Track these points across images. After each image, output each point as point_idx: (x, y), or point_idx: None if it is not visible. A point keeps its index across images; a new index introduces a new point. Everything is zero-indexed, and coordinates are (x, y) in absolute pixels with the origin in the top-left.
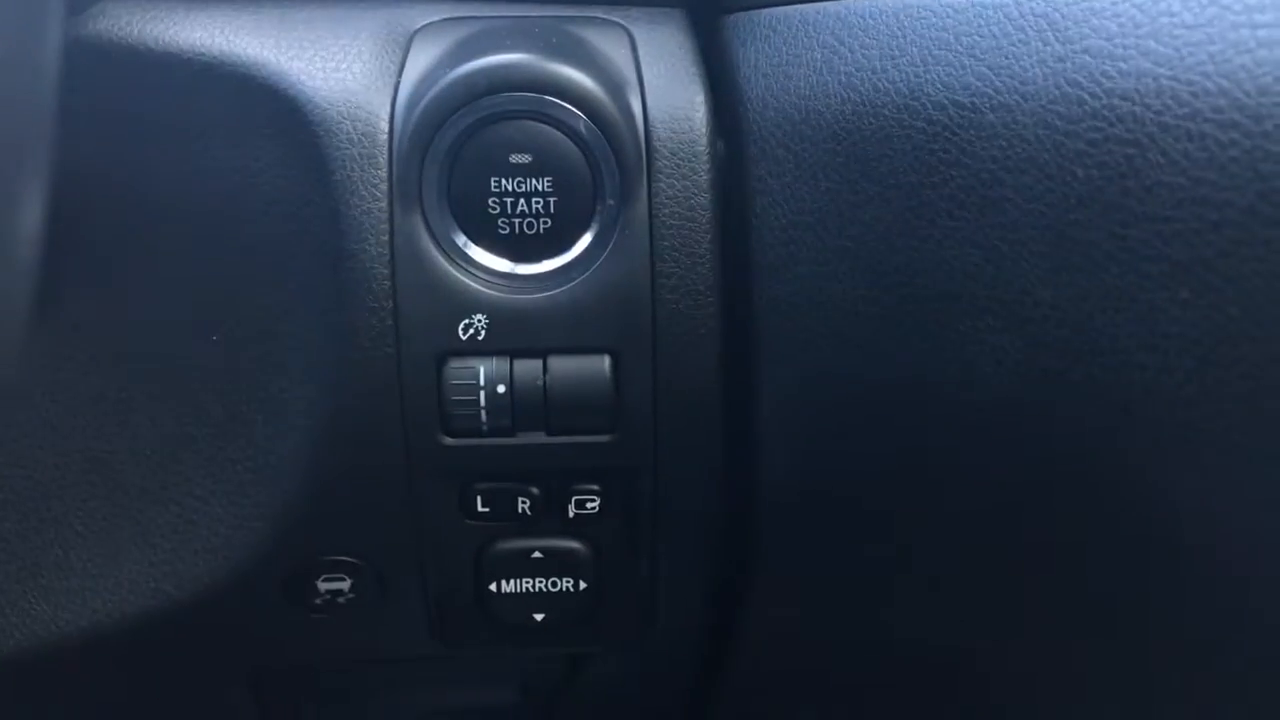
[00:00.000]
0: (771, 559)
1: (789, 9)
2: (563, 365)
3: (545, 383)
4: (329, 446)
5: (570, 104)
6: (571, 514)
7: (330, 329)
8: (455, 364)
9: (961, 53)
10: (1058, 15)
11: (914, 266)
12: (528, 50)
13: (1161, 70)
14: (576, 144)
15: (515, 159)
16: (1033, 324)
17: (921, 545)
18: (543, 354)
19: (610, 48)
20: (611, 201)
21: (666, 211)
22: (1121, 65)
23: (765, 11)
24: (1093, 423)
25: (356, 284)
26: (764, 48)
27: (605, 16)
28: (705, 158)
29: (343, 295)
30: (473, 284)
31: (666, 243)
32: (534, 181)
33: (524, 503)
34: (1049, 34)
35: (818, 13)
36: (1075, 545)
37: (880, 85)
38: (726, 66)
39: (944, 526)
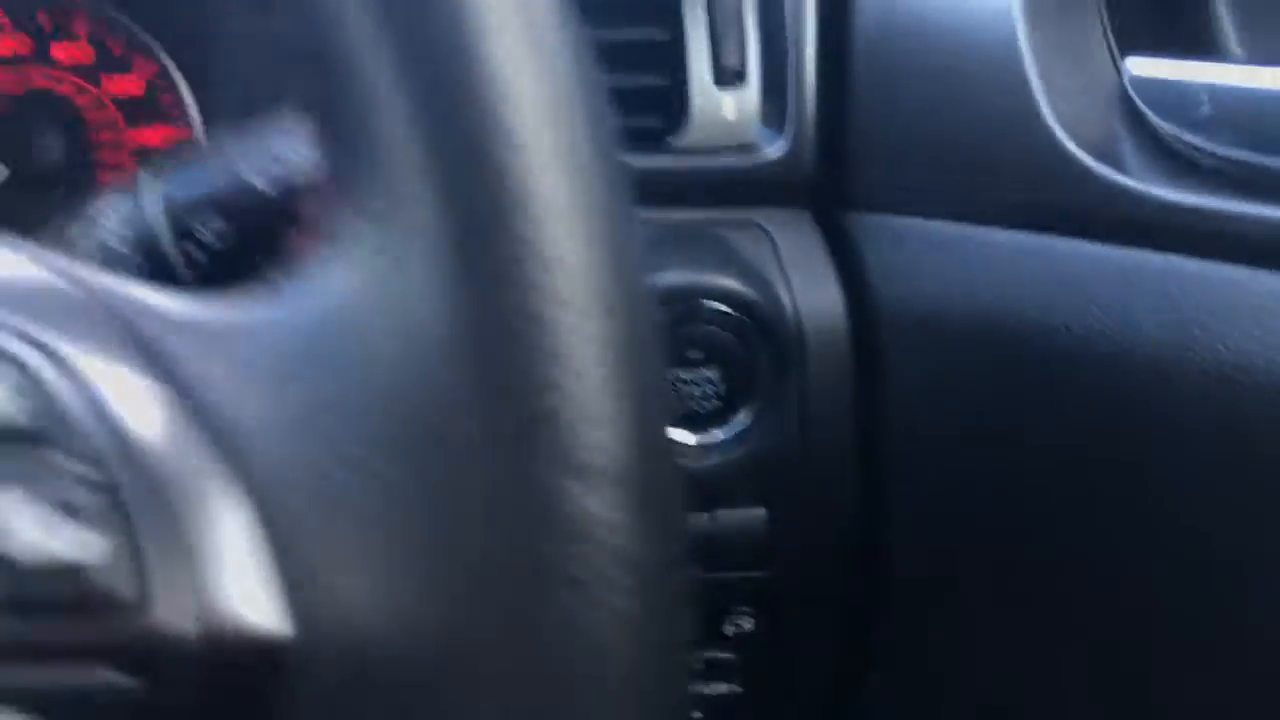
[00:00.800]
0: (898, 657)
1: (911, 220)
2: (726, 516)
3: (712, 531)
4: None
5: (734, 310)
6: (729, 632)
7: None
8: None
9: (1081, 295)
10: (1169, 282)
11: (1026, 451)
12: (694, 266)
13: (1268, 352)
14: (740, 340)
15: (690, 354)
16: (1140, 518)
17: (1030, 635)
18: (710, 507)
19: (756, 250)
20: (768, 384)
21: (814, 390)
22: (1229, 341)
23: (889, 218)
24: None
25: None
26: (890, 251)
27: (744, 217)
28: (846, 345)
29: None
30: None
31: (813, 415)
32: (705, 371)
33: None
34: (1163, 299)
35: (941, 230)
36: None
37: (1007, 307)
38: (856, 264)
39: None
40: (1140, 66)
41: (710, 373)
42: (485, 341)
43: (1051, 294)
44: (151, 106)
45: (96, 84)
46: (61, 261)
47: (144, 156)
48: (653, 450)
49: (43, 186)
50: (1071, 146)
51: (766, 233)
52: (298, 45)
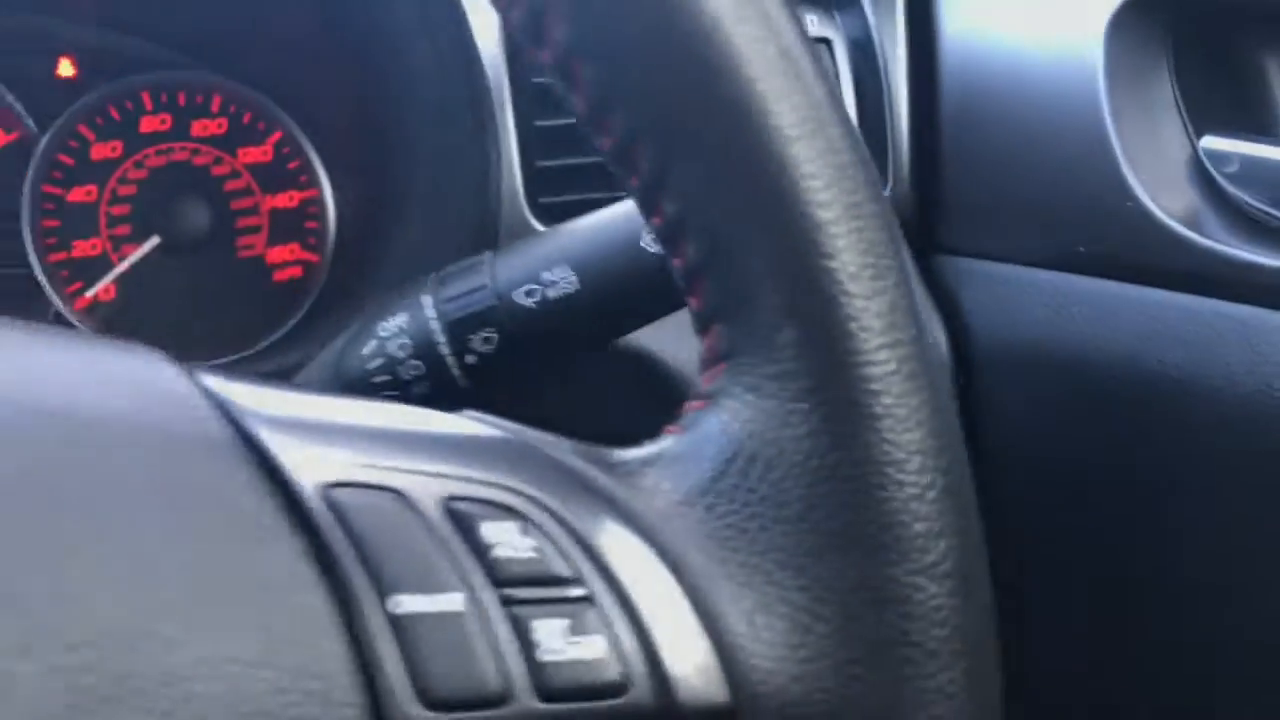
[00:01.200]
0: None
1: (1004, 266)
2: None
3: None
4: None
5: None
6: None
7: None
8: None
9: (1171, 340)
10: (1251, 331)
11: (1121, 484)
12: None
13: None
14: None
15: None
16: (1230, 550)
17: (1124, 661)
18: None
19: None
20: None
21: None
22: None
23: (983, 263)
24: None
25: None
26: (985, 294)
27: None
28: (949, 383)
29: None
30: None
31: None
32: None
33: None
34: (1245, 347)
35: (1032, 276)
36: None
37: (1100, 350)
38: (954, 305)
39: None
40: (1212, 143)
41: None
42: (852, 480)
43: (1142, 339)
44: (281, 172)
45: (232, 154)
46: (503, 421)
47: (276, 220)
48: (976, 546)
49: (191, 251)
50: (1155, 210)
51: None
52: (699, 260)
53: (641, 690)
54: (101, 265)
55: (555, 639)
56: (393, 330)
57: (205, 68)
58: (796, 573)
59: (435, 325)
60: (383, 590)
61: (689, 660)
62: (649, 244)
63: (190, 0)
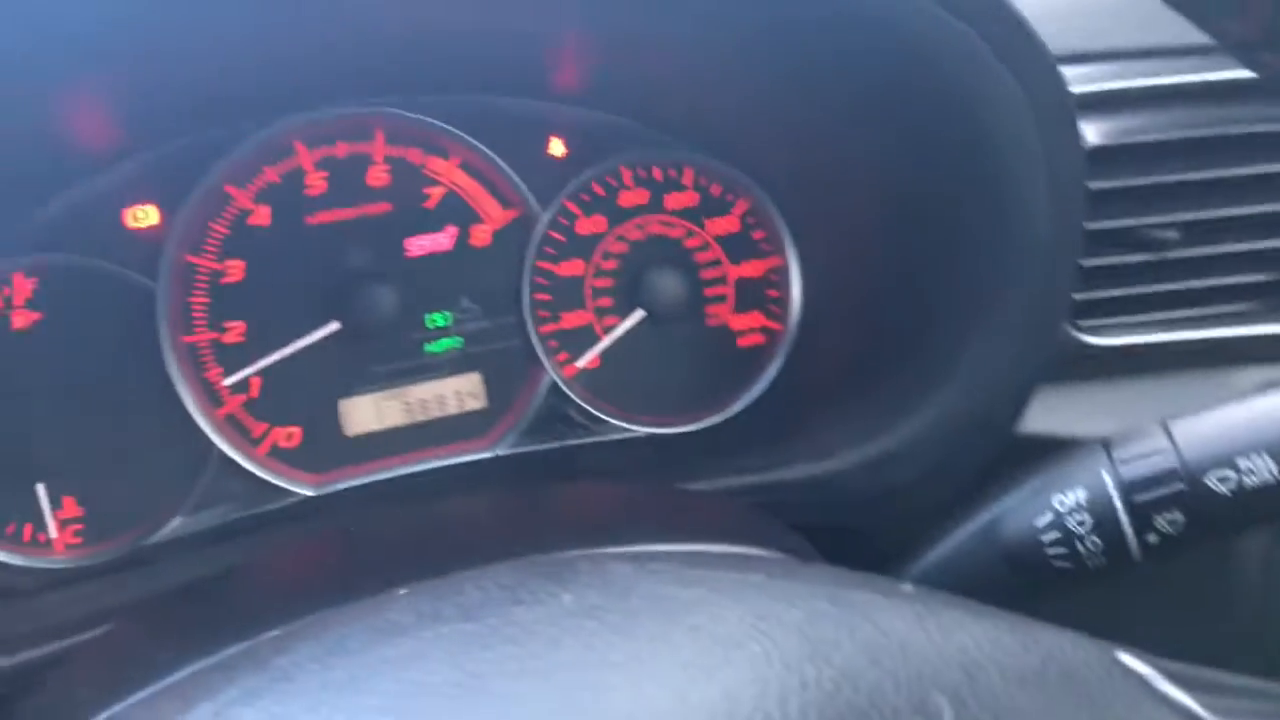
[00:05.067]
0: None
1: None
2: None
3: None
4: None
5: None
6: None
7: None
8: None
9: None
10: None
11: None
12: None
13: None
14: None
15: None
16: None
17: None
18: None
19: None
20: None
21: None
22: None
23: None
24: None
25: None
26: None
27: None
28: None
29: None
30: None
31: None
32: None
33: None
34: None
35: None
36: None
37: None
38: None
39: None
40: None
41: None
42: None
43: None
44: (746, 241)
45: (701, 226)
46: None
47: (743, 288)
48: None
49: (666, 321)
50: None
51: None
52: None
53: None
54: (586, 335)
55: None
56: (1071, 505)
57: (682, 145)
58: None
59: (1119, 505)
60: None
61: None
62: None
63: (677, 83)
